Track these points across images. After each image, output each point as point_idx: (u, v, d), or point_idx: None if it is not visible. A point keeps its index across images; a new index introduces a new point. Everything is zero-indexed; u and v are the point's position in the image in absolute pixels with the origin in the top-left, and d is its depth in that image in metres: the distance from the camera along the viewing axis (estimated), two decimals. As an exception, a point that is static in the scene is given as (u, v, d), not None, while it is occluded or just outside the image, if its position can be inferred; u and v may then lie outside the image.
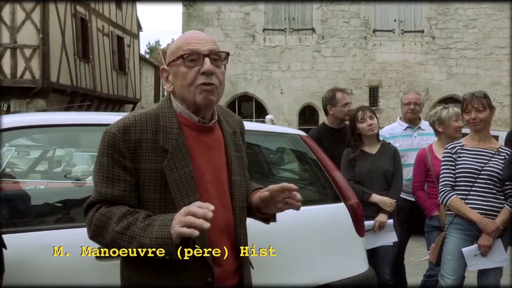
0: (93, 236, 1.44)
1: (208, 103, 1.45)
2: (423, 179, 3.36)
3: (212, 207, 1.26)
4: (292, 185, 1.46)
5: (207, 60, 1.43)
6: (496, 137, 4.07)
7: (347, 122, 3.57)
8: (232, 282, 1.52)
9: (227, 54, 1.51)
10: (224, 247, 1.48)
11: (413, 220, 3.67)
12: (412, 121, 3.86)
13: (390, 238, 3.21)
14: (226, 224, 1.50)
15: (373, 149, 3.32)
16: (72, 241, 2.03)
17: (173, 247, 1.29)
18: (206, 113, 1.49)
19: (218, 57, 1.47)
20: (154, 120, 1.44)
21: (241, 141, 1.63)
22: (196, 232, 1.24)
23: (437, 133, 3.43)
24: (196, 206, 1.27)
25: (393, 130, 3.93)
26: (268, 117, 11.71)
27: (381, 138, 3.45)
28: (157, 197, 1.42)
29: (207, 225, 1.24)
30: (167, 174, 1.40)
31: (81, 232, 2.09)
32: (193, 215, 1.26)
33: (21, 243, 1.90)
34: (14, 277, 1.83)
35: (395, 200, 3.20)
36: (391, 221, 3.19)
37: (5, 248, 1.77)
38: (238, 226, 1.53)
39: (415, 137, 3.79)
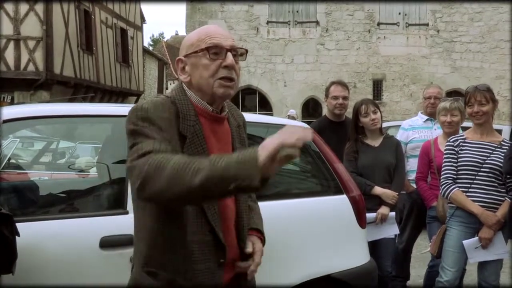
0: (145, 179, 1.27)
1: (226, 97, 1.51)
2: (426, 170, 3.39)
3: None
4: (247, 266, 1.55)
5: (229, 54, 1.48)
6: (500, 131, 4.07)
7: (349, 116, 3.58)
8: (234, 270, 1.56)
9: (246, 50, 1.57)
10: (232, 233, 1.53)
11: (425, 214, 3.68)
12: (433, 115, 3.88)
13: (392, 230, 3.23)
14: (232, 214, 1.55)
15: (375, 142, 3.32)
16: (76, 231, 2.06)
17: (258, 169, 1.14)
18: (219, 104, 1.54)
19: (237, 53, 1.53)
20: (174, 107, 1.47)
21: (244, 134, 1.68)
22: (300, 143, 1.13)
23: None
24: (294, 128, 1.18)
25: (413, 122, 3.99)
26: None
27: (390, 130, 3.46)
28: None
29: (309, 135, 1.15)
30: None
31: (85, 222, 2.12)
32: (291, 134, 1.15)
33: (27, 232, 1.93)
34: (19, 265, 1.86)
35: (397, 193, 3.22)
36: (393, 213, 3.21)
37: (18, 235, 1.81)
38: (241, 217, 1.57)
39: (435, 129, 3.80)
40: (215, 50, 1.47)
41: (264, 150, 1.15)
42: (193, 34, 1.54)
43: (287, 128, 1.19)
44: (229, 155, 1.22)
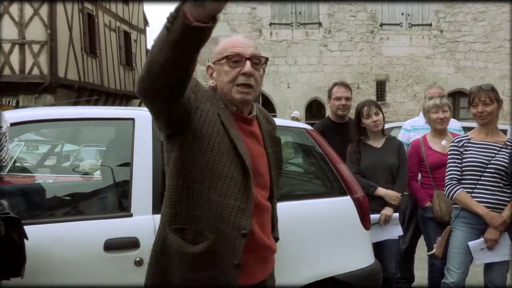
0: (151, 56, 1.37)
1: (244, 101, 1.64)
2: (417, 169, 3.37)
3: None
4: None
5: (248, 62, 1.61)
6: (505, 131, 4.05)
7: (352, 117, 3.57)
8: (262, 266, 1.67)
9: (267, 59, 1.68)
10: (258, 223, 1.62)
11: None
12: None
13: (395, 231, 3.21)
14: (258, 203, 1.63)
15: (378, 143, 3.31)
16: (80, 234, 2.06)
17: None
18: (244, 108, 1.66)
19: (259, 61, 1.65)
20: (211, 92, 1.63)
21: (279, 136, 1.81)
22: None
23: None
24: None
25: (414, 123, 3.99)
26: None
27: (394, 131, 3.46)
28: (220, 131, 1.55)
29: None
30: (228, 130, 1.55)
31: (89, 225, 2.13)
32: None
33: (32, 234, 1.94)
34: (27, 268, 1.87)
35: (400, 194, 3.21)
36: (396, 214, 3.20)
37: (27, 239, 1.82)
38: (274, 216, 1.77)
39: None
40: (235, 59, 1.60)
41: None
42: (221, 43, 1.69)
43: None
44: None
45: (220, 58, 1.63)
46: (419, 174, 3.41)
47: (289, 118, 10.45)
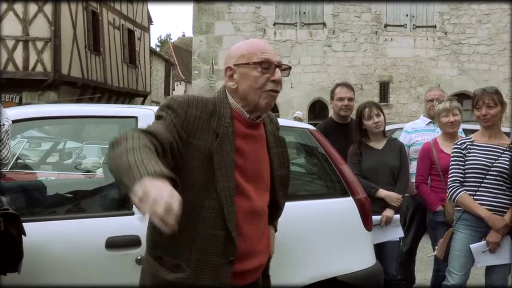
0: (109, 144, 1.42)
1: (269, 107, 1.67)
2: (427, 173, 3.34)
3: (173, 216, 1.15)
4: None
5: (278, 70, 1.62)
6: (508, 134, 4.03)
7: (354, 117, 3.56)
8: (255, 262, 1.66)
9: (290, 67, 1.70)
10: (255, 229, 1.63)
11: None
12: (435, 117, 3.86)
13: (396, 233, 3.21)
14: (260, 209, 1.65)
15: (379, 145, 3.31)
16: (82, 231, 2.06)
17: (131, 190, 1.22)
18: (260, 114, 1.67)
19: (282, 69, 1.66)
20: (212, 105, 1.61)
21: (282, 136, 1.81)
22: (138, 209, 1.17)
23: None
24: (168, 197, 1.16)
25: (415, 125, 3.98)
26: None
27: (396, 132, 3.46)
28: (201, 174, 1.56)
29: (142, 215, 1.16)
30: (214, 155, 1.55)
31: (91, 223, 2.13)
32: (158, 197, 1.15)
33: (33, 231, 1.94)
34: (26, 265, 1.87)
35: (402, 195, 3.20)
36: (397, 216, 3.19)
37: (25, 235, 1.83)
38: (275, 215, 1.80)
39: (438, 132, 3.78)
40: (265, 65, 1.60)
41: (141, 187, 1.18)
42: (243, 45, 1.68)
43: (161, 191, 1.16)
44: (141, 166, 1.24)
45: (249, 62, 1.61)
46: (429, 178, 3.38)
47: (292, 118, 10.44)
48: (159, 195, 1.15)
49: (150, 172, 1.21)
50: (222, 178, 1.54)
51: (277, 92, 1.63)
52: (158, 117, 1.57)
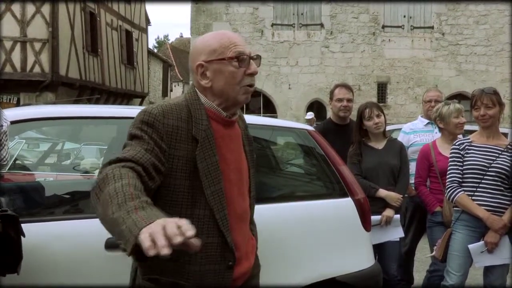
0: (92, 189, 1.35)
1: (245, 102, 1.59)
2: (426, 174, 3.36)
3: (190, 233, 1.07)
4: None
5: (252, 62, 1.53)
6: (506, 135, 4.05)
7: (354, 118, 3.57)
8: (247, 264, 1.62)
9: (260, 57, 1.59)
10: (242, 233, 1.59)
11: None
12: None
13: (396, 233, 3.21)
14: (243, 212, 1.61)
15: (379, 145, 3.32)
16: (81, 232, 2.06)
17: (131, 247, 1.12)
18: (236, 110, 1.60)
19: (253, 59, 1.56)
20: (186, 110, 1.50)
21: (250, 135, 1.73)
22: (152, 253, 1.05)
23: (440, 129, 3.44)
24: (177, 224, 1.09)
25: (414, 126, 3.99)
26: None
27: (394, 133, 3.47)
28: (187, 184, 1.47)
29: (166, 251, 1.04)
30: (198, 163, 1.46)
31: (90, 223, 2.12)
32: (165, 231, 1.07)
33: (32, 232, 1.93)
34: (25, 266, 1.86)
35: (402, 195, 3.20)
36: (397, 216, 3.19)
37: (24, 236, 1.82)
38: (252, 214, 1.70)
39: (436, 133, 3.79)
40: (240, 58, 1.50)
41: (144, 240, 1.07)
42: (211, 39, 1.53)
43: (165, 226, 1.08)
44: (132, 216, 1.15)
45: (224, 57, 1.49)
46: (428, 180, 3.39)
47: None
48: (166, 230, 1.06)
49: (140, 226, 1.10)
50: (209, 184, 1.47)
51: (253, 86, 1.54)
52: (134, 136, 1.43)
